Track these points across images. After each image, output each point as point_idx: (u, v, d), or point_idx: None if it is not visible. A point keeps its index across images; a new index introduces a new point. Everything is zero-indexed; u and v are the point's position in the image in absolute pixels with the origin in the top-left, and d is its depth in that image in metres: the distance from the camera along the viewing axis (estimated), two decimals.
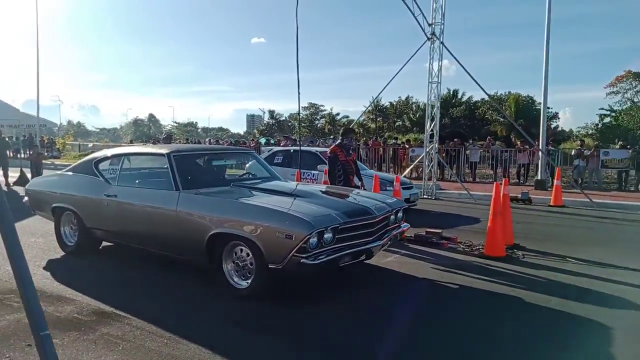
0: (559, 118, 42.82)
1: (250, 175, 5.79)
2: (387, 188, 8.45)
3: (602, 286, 4.72)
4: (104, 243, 5.80)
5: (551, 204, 10.79)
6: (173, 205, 4.56)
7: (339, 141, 6.85)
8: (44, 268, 5.12)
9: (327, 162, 7.22)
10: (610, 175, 15.52)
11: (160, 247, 4.92)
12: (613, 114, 34.47)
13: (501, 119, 37.69)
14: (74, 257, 5.56)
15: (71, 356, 3.03)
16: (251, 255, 4.09)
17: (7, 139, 16.44)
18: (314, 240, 3.80)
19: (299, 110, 6.74)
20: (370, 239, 4.39)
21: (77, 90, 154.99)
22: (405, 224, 5.29)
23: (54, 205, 5.76)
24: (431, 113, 12.25)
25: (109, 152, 6.08)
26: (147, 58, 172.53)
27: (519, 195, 11.38)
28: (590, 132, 36.50)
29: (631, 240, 7.42)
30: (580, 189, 11.75)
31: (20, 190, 6.92)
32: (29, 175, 12.25)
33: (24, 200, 6.35)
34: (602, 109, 35.85)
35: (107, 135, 69.11)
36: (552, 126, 43.88)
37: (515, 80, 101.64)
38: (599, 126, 35.80)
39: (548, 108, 40.83)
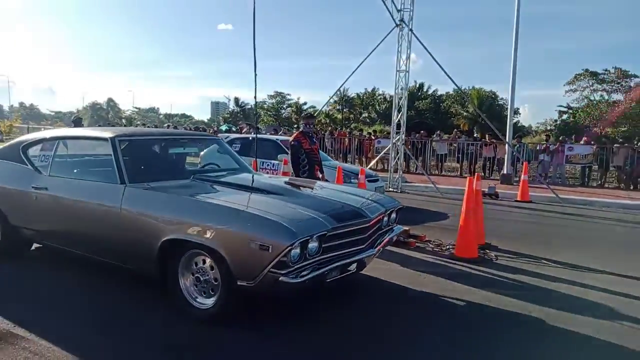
0: (519, 114, 43.83)
1: (216, 167, 4.90)
2: (352, 180, 8.02)
3: (584, 293, 4.43)
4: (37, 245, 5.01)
5: (518, 199, 10.68)
6: (117, 202, 3.79)
7: (301, 128, 6.34)
8: None
9: (288, 151, 6.69)
10: (569, 171, 15.67)
11: (100, 253, 4.13)
12: (571, 111, 35.49)
13: (464, 113, 38.23)
14: None
15: None
16: (215, 269, 3.31)
17: None
18: (296, 252, 3.03)
19: (255, 94, 5.96)
20: (363, 246, 3.66)
21: (32, 73, 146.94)
22: (399, 226, 4.56)
23: None
24: (398, 103, 11.90)
25: (41, 134, 5.29)
26: (110, 40, 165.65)
27: (486, 190, 11.24)
28: (549, 127, 37.51)
29: (603, 240, 7.25)
30: (547, 185, 11.72)
31: None
32: None
33: None
34: (561, 106, 36.94)
35: (62, 119, 65.63)
36: (513, 121, 44.95)
37: (478, 76, 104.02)
38: (558, 122, 36.82)
39: None
